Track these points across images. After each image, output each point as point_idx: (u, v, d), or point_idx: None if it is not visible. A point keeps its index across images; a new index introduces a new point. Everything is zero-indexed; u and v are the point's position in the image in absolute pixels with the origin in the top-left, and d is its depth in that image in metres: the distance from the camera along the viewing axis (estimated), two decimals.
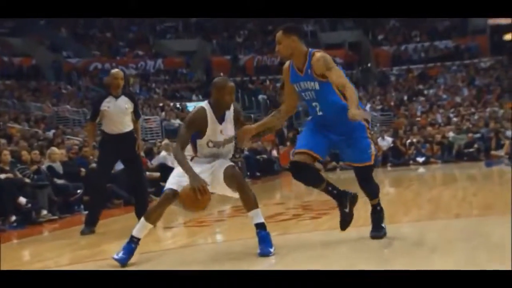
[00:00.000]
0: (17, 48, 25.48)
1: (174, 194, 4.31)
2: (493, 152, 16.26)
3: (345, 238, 4.56)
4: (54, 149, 9.95)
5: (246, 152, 15.70)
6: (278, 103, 23.49)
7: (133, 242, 4.35)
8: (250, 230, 5.60)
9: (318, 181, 4.46)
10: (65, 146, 11.97)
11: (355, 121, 4.02)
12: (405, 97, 24.21)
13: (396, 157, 16.86)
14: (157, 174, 10.63)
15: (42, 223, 7.96)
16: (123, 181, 9.30)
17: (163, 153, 11.78)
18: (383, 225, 4.52)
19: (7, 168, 8.29)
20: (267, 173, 15.62)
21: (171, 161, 11.35)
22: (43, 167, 9.20)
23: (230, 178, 4.36)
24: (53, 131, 15.63)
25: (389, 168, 16.25)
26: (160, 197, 4.45)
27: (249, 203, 4.36)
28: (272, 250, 4.28)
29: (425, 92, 24.24)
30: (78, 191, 9.06)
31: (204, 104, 4.49)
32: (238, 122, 4.54)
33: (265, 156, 16.36)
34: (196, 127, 4.38)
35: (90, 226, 6.55)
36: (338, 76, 4.15)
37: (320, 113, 4.34)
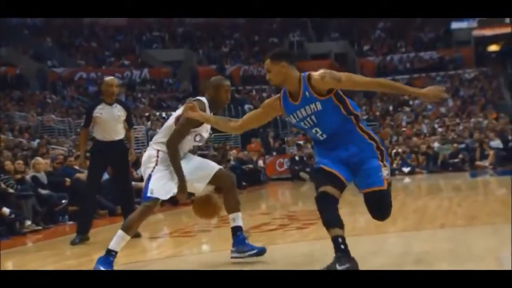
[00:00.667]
0: (1, 57, 25.36)
1: (156, 204, 4.30)
2: (477, 163, 16.41)
3: (330, 249, 4.49)
4: (39, 159, 9.91)
5: (232, 162, 15.73)
6: None
7: (112, 256, 4.25)
8: None
9: (335, 225, 3.79)
10: (49, 156, 11.88)
11: (440, 98, 3.72)
12: (391, 108, 24.37)
13: None
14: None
15: (26, 233, 7.91)
16: (107, 191, 9.31)
17: None
18: None
19: None
20: (253, 183, 15.71)
21: None
22: (27, 177, 9.14)
23: (224, 177, 4.49)
24: (37, 140, 15.54)
25: None
26: (141, 207, 4.36)
27: (236, 203, 4.55)
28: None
29: (411, 102, 24.42)
30: (63, 201, 9.01)
31: (203, 98, 4.46)
32: None
33: (251, 166, 16.44)
34: (196, 121, 4.33)
35: (81, 235, 6.51)
36: (352, 81, 3.88)
37: (323, 137, 3.99)
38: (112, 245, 4.28)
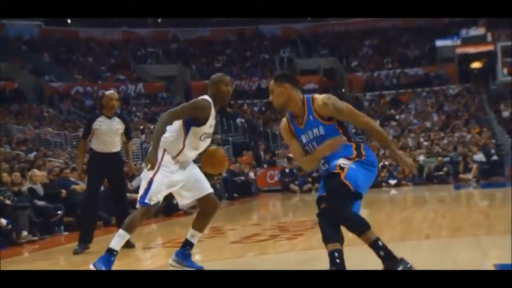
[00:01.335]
0: (0, 72, 25.60)
1: (156, 206, 4.44)
2: (461, 175, 16.68)
3: (320, 257, 4.57)
4: (35, 171, 9.90)
5: (224, 174, 16.05)
6: (255, 126, 24.01)
7: (113, 255, 4.32)
8: (227, 251, 5.84)
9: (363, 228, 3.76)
10: (46, 168, 11.91)
11: (409, 169, 3.71)
12: (378, 122, 24.80)
13: None
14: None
15: (22, 244, 7.89)
16: (103, 202, 9.13)
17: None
18: None
19: None
20: (244, 195, 15.76)
21: None
22: (24, 188, 9.12)
23: (211, 202, 4.65)
24: (34, 153, 15.54)
25: None
26: (142, 208, 4.42)
27: (205, 226, 4.79)
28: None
29: (397, 117, 24.46)
30: (59, 212, 9.01)
31: (207, 97, 4.49)
32: None
33: (242, 178, 16.45)
34: (195, 114, 4.37)
35: (83, 244, 6.54)
36: (352, 115, 3.88)
37: (325, 167, 3.92)
38: (112, 244, 4.35)
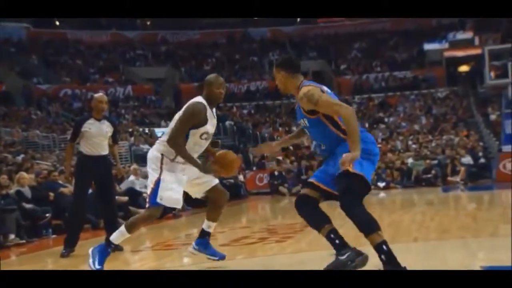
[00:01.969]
0: None
1: (160, 210, 4.50)
2: (449, 178, 16.71)
3: (309, 260, 4.72)
4: (23, 173, 9.87)
5: None
6: (245, 129, 24.02)
7: (110, 247, 4.53)
8: None
9: (320, 223, 3.96)
10: (34, 170, 11.85)
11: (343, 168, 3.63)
12: (366, 125, 24.54)
13: None
14: (125, 198, 10.73)
15: (10, 247, 7.86)
16: (91, 205, 9.03)
17: (132, 177, 11.84)
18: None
19: None
20: (233, 197, 15.29)
21: (139, 185, 11.56)
22: (12, 191, 9.08)
23: (222, 192, 4.82)
24: (22, 155, 15.42)
25: None
26: (149, 210, 4.49)
27: (218, 216, 4.93)
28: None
29: (385, 119, 24.56)
30: (47, 215, 8.98)
31: (200, 99, 4.57)
32: None
33: (231, 180, 16.32)
34: (195, 121, 4.46)
35: (69, 247, 6.52)
36: (327, 107, 3.83)
37: (323, 148, 4.08)
38: (112, 238, 4.53)
